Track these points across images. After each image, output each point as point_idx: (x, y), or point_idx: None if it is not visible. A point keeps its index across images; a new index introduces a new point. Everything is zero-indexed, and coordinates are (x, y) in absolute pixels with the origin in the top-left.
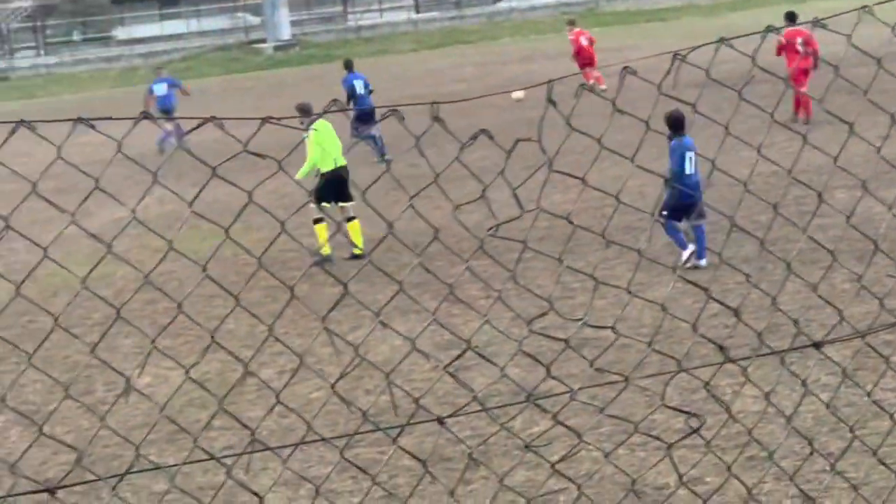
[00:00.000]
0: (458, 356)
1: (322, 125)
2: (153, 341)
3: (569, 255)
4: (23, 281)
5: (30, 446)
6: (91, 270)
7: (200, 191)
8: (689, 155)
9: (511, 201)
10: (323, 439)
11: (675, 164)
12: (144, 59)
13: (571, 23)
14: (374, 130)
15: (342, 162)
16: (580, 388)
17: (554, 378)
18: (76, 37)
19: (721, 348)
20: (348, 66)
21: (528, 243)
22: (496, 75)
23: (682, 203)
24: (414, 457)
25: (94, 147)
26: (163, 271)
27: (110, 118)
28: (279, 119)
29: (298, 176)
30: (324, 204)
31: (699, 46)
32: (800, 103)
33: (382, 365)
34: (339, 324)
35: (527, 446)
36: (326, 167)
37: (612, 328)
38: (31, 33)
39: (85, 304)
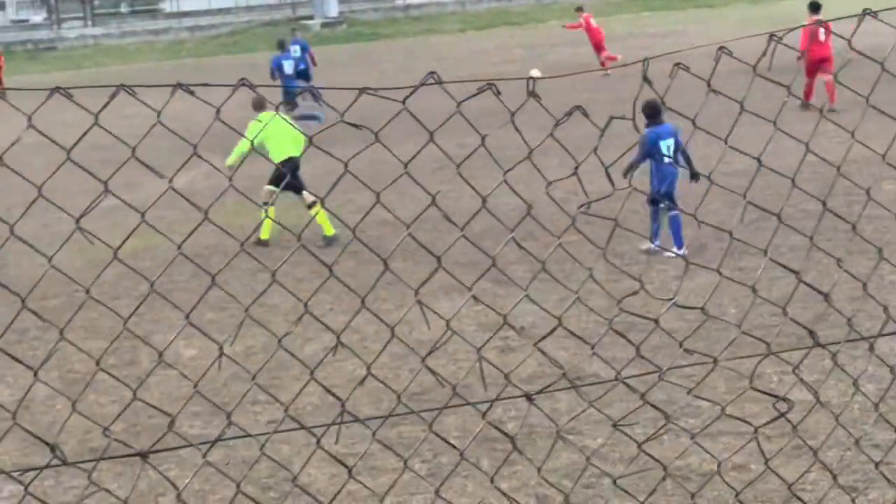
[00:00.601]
0: (550, 332)
1: (269, 117)
2: (247, 308)
3: (622, 237)
4: (120, 245)
5: (124, 409)
6: (187, 236)
7: (304, 153)
8: (667, 143)
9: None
10: (412, 412)
11: (641, 155)
12: (191, 33)
13: (580, 9)
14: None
15: (295, 153)
16: (668, 369)
17: (643, 358)
18: (124, 8)
19: (811, 333)
20: (281, 45)
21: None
22: (544, 58)
23: (659, 191)
24: (503, 433)
25: (143, 119)
26: (208, 244)
27: (207, 84)
28: (376, 90)
29: (227, 163)
30: (277, 190)
31: (796, 28)
32: (811, 92)
33: (427, 344)
34: (383, 301)
35: (614, 425)
36: (276, 159)
37: (702, 309)
38: (79, 4)
39: (132, 276)
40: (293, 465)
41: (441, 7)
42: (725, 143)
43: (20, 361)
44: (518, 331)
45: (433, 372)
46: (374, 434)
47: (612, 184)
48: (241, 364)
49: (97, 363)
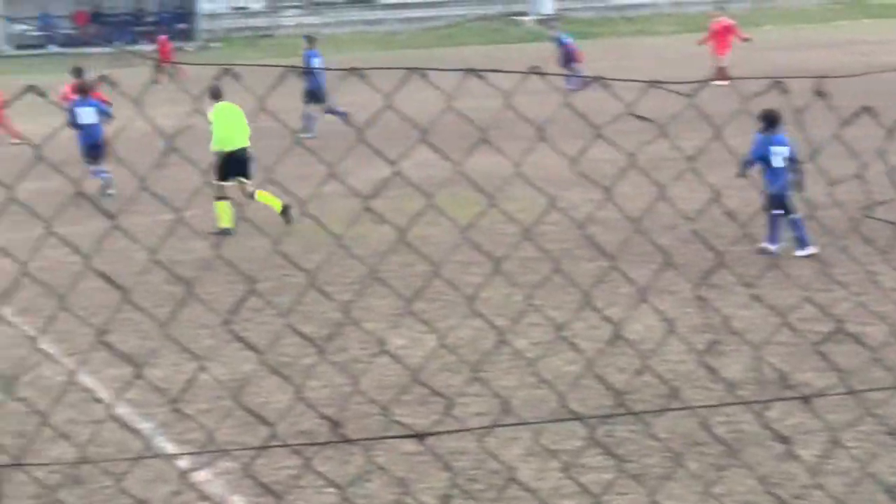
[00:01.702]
0: (831, 334)
1: (223, 107)
2: (406, 300)
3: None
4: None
5: (405, 386)
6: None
7: (584, 149)
8: (777, 150)
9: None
10: (687, 407)
11: (756, 154)
12: (405, 25)
13: (721, 8)
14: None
15: (242, 144)
16: None
17: None
18: None
19: None
20: (310, 41)
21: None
22: (760, 62)
23: (768, 195)
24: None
25: (357, 106)
26: (420, 235)
27: (498, 70)
28: (663, 83)
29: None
30: (224, 182)
31: None
32: None
33: (636, 344)
34: (594, 299)
35: (890, 434)
36: (226, 147)
37: None
38: None
39: (342, 263)
40: (500, 457)
41: (656, 8)
42: None
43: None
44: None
45: (775, 363)
46: (591, 432)
47: None
48: (445, 356)
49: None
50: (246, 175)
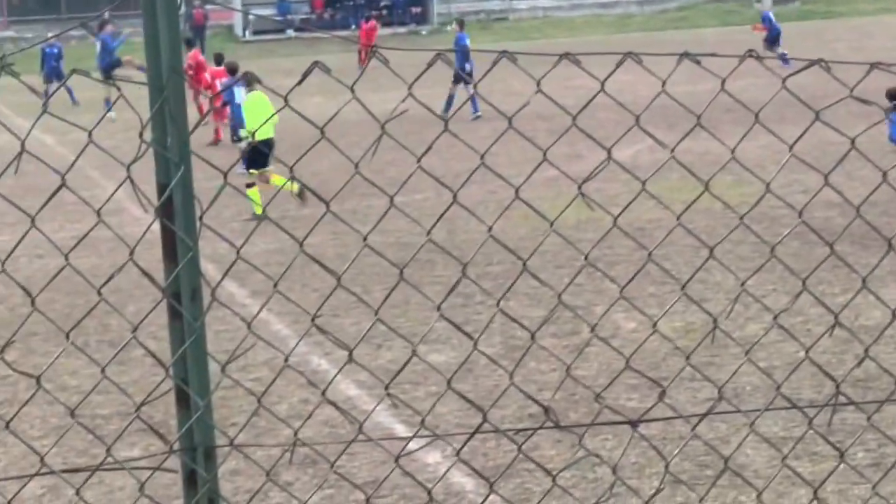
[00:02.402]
0: None
1: (255, 97)
2: (683, 286)
3: None
4: (557, 217)
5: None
6: (623, 209)
7: (802, 134)
8: None
9: None
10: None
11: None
12: (640, 7)
13: None
14: (470, 89)
15: (269, 134)
16: None
17: None
18: None
19: None
20: (460, 24)
21: None
22: None
23: None
24: None
25: (588, 90)
26: (651, 218)
27: (713, 55)
28: (889, 65)
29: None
30: (252, 171)
31: None
32: None
33: (873, 330)
34: (828, 284)
35: None
36: (258, 137)
37: None
38: None
39: (576, 245)
40: (730, 443)
41: None
42: None
43: (460, 329)
44: None
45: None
46: (810, 421)
47: None
48: (675, 341)
49: (532, 336)
50: (266, 164)
